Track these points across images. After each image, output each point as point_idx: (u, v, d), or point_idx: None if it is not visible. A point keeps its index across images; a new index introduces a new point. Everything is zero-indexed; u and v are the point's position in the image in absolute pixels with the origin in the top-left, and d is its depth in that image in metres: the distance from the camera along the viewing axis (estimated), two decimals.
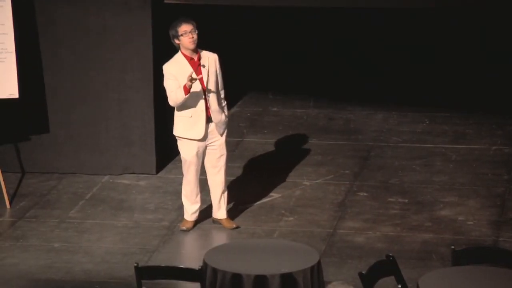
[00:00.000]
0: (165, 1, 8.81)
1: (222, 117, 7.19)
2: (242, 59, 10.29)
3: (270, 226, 7.42)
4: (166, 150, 8.51)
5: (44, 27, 8.17)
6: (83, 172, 8.35)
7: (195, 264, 5.63)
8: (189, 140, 7.11)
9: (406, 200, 7.78)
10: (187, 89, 6.94)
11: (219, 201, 7.37)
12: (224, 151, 7.28)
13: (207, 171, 7.32)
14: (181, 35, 6.98)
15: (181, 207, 7.70)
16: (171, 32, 7.04)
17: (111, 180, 8.29)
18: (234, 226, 7.35)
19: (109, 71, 8.21)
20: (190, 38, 6.98)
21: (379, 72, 10.11)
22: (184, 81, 6.93)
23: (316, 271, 5.53)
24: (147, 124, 8.27)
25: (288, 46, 10.33)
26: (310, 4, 9.39)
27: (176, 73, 7.02)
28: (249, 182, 8.22)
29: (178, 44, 7.04)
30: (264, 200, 7.89)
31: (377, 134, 9.11)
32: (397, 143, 8.91)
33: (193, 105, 7.04)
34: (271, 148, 8.95)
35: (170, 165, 8.53)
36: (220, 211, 7.39)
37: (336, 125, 9.35)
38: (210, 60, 7.13)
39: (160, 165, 8.45)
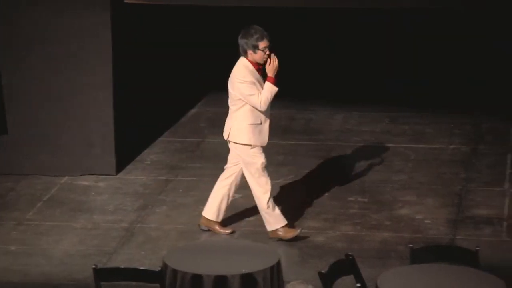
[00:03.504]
0: (125, 1, 8.78)
1: None
2: (203, 59, 10.28)
3: (231, 227, 7.42)
4: (126, 151, 8.47)
5: (2, 27, 8.10)
6: (41, 174, 8.29)
7: (155, 265, 5.61)
8: (260, 147, 7.04)
9: (366, 200, 7.82)
10: (273, 81, 6.90)
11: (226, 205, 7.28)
12: None
13: (229, 170, 7.19)
14: (261, 49, 6.89)
15: (140, 208, 7.69)
16: (249, 41, 6.88)
17: (70, 182, 8.24)
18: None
19: (68, 71, 8.16)
20: (265, 55, 6.91)
21: (340, 72, 10.15)
22: (258, 87, 6.89)
23: (276, 271, 5.55)
24: (107, 125, 8.23)
25: None
26: (266, 4, 9.39)
27: (254, 80, 6.92)
28: (210, 182, 8.21)
29: (250, 54, 6.91)
30: None
31: (337, 134, 9.15)
32: (357, 143, 8.96)
33: (267, 109, 7.00)
34: None
35: (129, 166, 8.50)
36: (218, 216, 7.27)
37: (298, 125, 9.38)
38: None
39: (120, 166, 8.41)
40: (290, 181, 8.14)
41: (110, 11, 8.07)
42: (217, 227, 7.25)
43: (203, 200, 7.88)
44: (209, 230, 7.26)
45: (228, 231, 7.26)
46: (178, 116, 9.67)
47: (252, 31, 6.89)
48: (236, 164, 7.17)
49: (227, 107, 9.95)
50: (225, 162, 8.67)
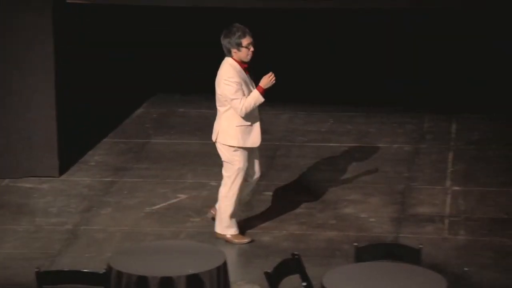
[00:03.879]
0: (68, 1, 8.70)
1: None
2: (148, 60, 10.24)
3: (177, 228, 7.41)
4: (70, 153, 8.40)
5: None
6: None
7: (100, 268, 5.57)
8: (246, 149, 6.99)
9: (312, 199, 7.86)
10: (263, 91, 6.85)
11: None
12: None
13: (250, 176, 7.13)
14: (245, 46, 6.84)
15: (85, 210, 7.63)
16: (232, 39, 6.82)
17: (11, 184, 8.14)
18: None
19: (10, 72, 8.07)
20: (250, 51, 6.86)
21: (285, 72, 10.16)
22: (246, 89, 6.85)
23: (222, 271, 5.55)
24: (49, 126, 8.14)
25: (194, 45, 10.32)
26: (218, 4, 9.37)
27: (241, 82, 6.87)
28: (156, 184, 8.19)
29: (235, 53, 6.86)
30: (171, 201, 7.87)
31: (283, 133, 9.19)
32: (303, 143, 9.00)
33: (252, 112, 6.94)
34: (178, 149, 8.93)
35: (73, 168, 8.43)
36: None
37: None
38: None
39: (63, 168, 8.33)
40: None
41: (52, 11, 7.99)
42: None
43: (148, 202, 7.85)
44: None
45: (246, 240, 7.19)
46: (123, 117, 9.62)
47: (234, 30, 6.84)
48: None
49: (172, 108, 9.96)
50: (171, 162, 8.66)
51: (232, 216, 7.08)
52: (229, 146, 6.95)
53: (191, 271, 5.41)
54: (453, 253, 6.97)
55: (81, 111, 9.20)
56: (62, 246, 7.14)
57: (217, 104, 7.02)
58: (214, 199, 7.87)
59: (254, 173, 7.18)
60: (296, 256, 5.61)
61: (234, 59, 6.89)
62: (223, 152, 7.01)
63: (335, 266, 5.77)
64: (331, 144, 8.96)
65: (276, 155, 8.73)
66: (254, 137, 7.00)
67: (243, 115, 6.88)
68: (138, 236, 7.27)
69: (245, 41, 6.83)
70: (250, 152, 7.05)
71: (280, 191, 7.99)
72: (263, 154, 8.69)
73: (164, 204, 7.82)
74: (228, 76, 6.86)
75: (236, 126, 6.92)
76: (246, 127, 6.95)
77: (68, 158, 8.39)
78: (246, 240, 7.13)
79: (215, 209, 7.25)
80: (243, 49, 6.83)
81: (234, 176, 6.99)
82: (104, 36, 10.37)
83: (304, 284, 5.52)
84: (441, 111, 9.46)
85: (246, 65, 6.93)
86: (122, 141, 9.09)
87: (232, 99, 6.86)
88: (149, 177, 8.31)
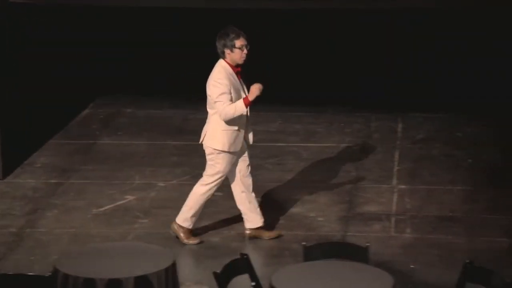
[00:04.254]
0: (10, 0, 8.58)
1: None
2: (95, 60, 10.16)
3: (125, 229, 7.36)
4: (14, 154, 8.29)
5: None
6: None
7: (46, 271, 5.51)
8: (230, 153, 6.97)
9: (260, 199, 7.86)
10: (249, 103, 6.82)
11: (258, 206, 7.18)
12: (249, 159, 7.18)
13: (238, 181, 7.10)
14: (238, 48, 6.80)
15: (30, 212, 7.53)
16: (225, 41, 6.79)
17: None
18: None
19: None
20: (244, 53, 6.82)
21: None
22: (234, 93, 6.79)
23: (170, 272, 5.52)
24: None
25: (141, 45, 10.27)
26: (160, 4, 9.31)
27: (229, 85, 6.83)
28: (103, 185, 8.13)
29: (228, 54, 6.82)
30: (118, 203, 7.82)
31: None
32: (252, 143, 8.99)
33: (240, 117, 6.90)
34: (126, 149, 8.87)
35: (18, 170, 8.33)
36: (261, 218, 7.17)
37: (191, 125, 9.36)
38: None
39: (7, 170, 8.22)
40: (185, 182, 8.12)
41: None
42: (265, 232, 7.21)
43: (95, 203, 7.78)
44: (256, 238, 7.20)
45: (273, 234, 7.18)
46: (69, 118, 9.53)
47: (228, 31, 6.83)
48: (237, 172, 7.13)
49: (120, 108, 9.89)
50: (118, 163, 8.59)
51: (195, 214, 7.08)
52: (213, 148, 6.96)
53: (139, 273, 5.37)
54: (399, 251, 7.03)
55: (26, 112, 9.09)
56: (7, 249, 7.04)
57: (207, 106, 7.00)
58: (162, 200, 7.84)
59: (245, 171, 7.15)
60: (245, 256, 5.60)
61: (227, 62, 6.87)
62: (208, 153, 7.02)
63: (284, 266, 5.77)
64: (279, 144, 8.98)
65: None
66: (238, 143, 6.98)
67: (223, 119, 6.87)
68: (85, 238, 7.21)
69: (239, 42, 6.81)
70: (235, 156, 7.03)
71: (228, 192, 7.98)
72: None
73: (111, 205, 7.76)
74: (218, 78, 6.84)
75: (222, 130, 6.91)
76: (233, 131, 6.94)
77: (12, 160, 8.28)
78: (195, 241, 7.11)
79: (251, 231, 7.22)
80: (236, 50, 6.81)
81: (214, 177, 7.00)
82: (49, 36, 10.25)
83: (253, 284, 5.52)
84: (388, 111, 9.54)
85: (239, 69, 6.90)
86: (68, 142, 9.01)
87: (216, 101, 6.85)
88: (96, 178, 8.24)
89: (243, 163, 7.13)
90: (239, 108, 6.82)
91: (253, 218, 7.16)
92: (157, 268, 5.43)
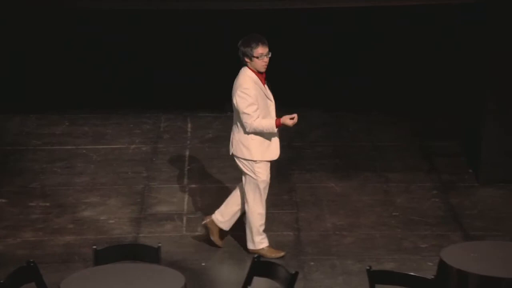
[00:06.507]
0: None
1: None
2: None
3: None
4: None
5: None
6: None
7: None
8: (267, 162, 6.76)
9: (48, 204, 7.66)
10: (279, 125, 6.62)
11: (237, 217, 7.00)
12: None
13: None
14: (256, 57, 6.61)
15: None
16: (245, 49, 6.62)
17: None
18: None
19: None
20: (264, 62, 6.64)
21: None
22: (260, 101, 6.61)
23: None
24: None
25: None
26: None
27: (256, 95, 6.61)
28: None
29: (248, 62, 6.64)
30: None
31: (15, 137, 8.88)
32: (37, 146, 8.75)
33: None
34: None
35: None
36: (229, 226, 6.98)
37: None
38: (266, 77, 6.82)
39: None
40: None
41: None
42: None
43: None
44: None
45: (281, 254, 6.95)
46: None
47: (249, 39, 6.66)
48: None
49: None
50: None
51: (260, 230, 6.86)
52: (248, 160, 6.75)
53: None
54: (191, 250, 7.07)
55: None
56: None
57: (234, 115, 6.76)
58: None
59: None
60: (32, 264, 5.42)
61: (251, 69, 6.69)
62: (244, 168, 6.79)
63: (74, 271, 5.64)
64: (67, 147, 8.77)
65: (9, 160, 8.42)
66: (273, 151, 6.78)
67: (248, 131, 6.69)
68: None
69: (258, 51, 6.63)
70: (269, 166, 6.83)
71: (13, 198, 7.72)
72: None
73: None
74: (245, 88, 6.64)
75: (252, 139, 6.72)
76: (264, 140, 6.75)
77: None
78: (281, 253, 6.91)
79: (209, 217, 7.00)
80: (255, 59, 6.64)
81: (256, 189, 6.79)
82: None
83: None
84: (177, 111, 9.55)
85: (263, 75, 6.73)
86: None
87: (244, 113, 6.63)
88: None
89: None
90: (270, 128, 6.67)
91: (226, 221, 6.98)
92: None
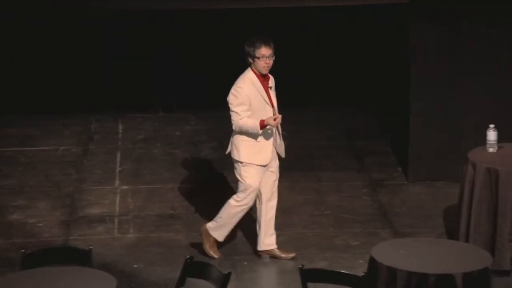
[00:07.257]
0: None
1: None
2: None
3: None
4: None
5: None
6: None
7: None
8: (256, 166, 6.65)
9: None
10: (263, 126, 6.56)
11: (272, 227, 6.84)
12: (278, 174, 6.84)
13: (262, 196, 6.77)
14: (258, 58, 6.59)
15: None
16: (248, 49, 6.62)
17: None
18: (292, 255, 6.86)
19: None
20: (265, 63, 6.63)
21: None
22: (256, 103, 6.57)
23: None
24: None
25: None
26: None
27: (250, 96, 6.58)
28: None
29: (251, 63, 6.63)
30: None
31: None
32: None
33: (264, 130, 6.63)
34: None
35: None
36: (274, 238, 6.86)
37: None
38: (271, 81, 6.77)
39: None
40: None
41: None
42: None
43: None
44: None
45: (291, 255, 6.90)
46: None
47: (253, 40, 6.64)
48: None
49: None
50: None
51: (227, 229, 6.80)
52: (238, 161, 6.68)
53: None
54: (123, 252, 7.01)
55: None
56: None
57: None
58: None
59: (267, 195, 6.80)
60: None
61: (253, 70, 6.65)
62: (236, 169, 6.72)
63: (0, 276, 5.54)
64: None
65: None
66: (264, 155, 6.68)
67: (236, 130, 6.63)
68: None
69: (260, 52, 6.58)
70: (262, 171, 6.70)
71: None
72: None
73: None
74: (239, 86, 6.61)
75: (243, 140, 6.65)
76: (255, 143, 6.65)
77: None
78: (216, 255, 6.83)
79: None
80: (257, 61, 6.61)
81: (244, 193, 6.69)
82: None
83: None
84: (108, 112, 9.46)
85: (266, 77, 6.67)
86: None
87: (232, 111, 6.59)
88: None
89: (269, 178, 6.80)
90: (253, 128, 6.59)
91: (260, 240, 6.88)
92: None
